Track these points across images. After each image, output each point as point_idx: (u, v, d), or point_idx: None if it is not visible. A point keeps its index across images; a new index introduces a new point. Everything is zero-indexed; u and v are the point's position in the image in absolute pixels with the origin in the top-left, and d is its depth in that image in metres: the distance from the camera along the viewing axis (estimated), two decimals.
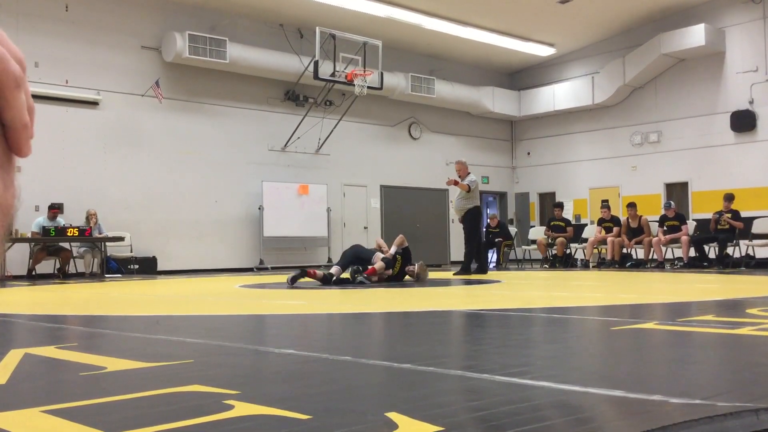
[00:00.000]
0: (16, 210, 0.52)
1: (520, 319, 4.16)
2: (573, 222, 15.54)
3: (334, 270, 7.89)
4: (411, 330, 3.85)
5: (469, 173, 10.13)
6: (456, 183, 9.89)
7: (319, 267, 14.22)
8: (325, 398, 1.87)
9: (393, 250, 8.24)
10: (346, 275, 7.89)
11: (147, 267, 12.31)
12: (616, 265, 12.54)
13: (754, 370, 2.27)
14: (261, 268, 13.70)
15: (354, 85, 13.12)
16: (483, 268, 10.33)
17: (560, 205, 14.68)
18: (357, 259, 8.06)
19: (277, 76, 14.03)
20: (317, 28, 12.73)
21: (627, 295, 6.01)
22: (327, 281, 7.68)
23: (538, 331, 3.68)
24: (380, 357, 2.65)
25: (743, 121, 14.45)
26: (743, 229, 11.93)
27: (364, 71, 13.12)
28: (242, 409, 1.70)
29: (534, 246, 14.34)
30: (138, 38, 12.65)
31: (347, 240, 14.49)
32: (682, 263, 12.11)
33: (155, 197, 12.71)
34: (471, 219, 10.00)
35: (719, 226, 12.08)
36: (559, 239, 13.60)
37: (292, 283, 7.58)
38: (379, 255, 8.07)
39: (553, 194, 17.77)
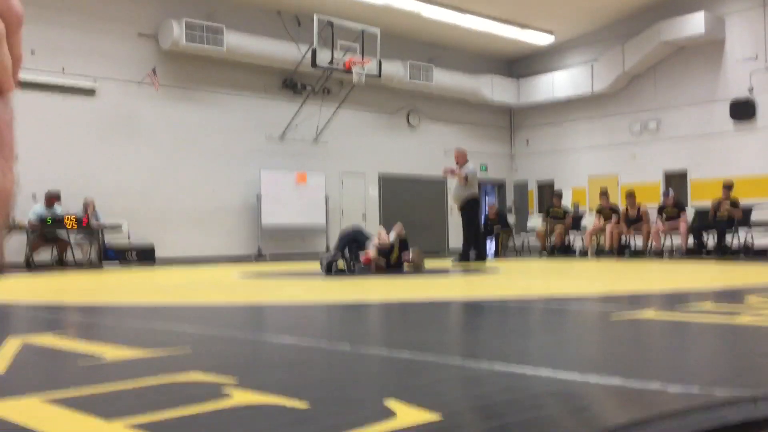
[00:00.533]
0: (15, 197, 0.52)
1: (518, 309, 4.16)
2: (572, 211, 15.54)
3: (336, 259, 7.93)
4: (409, 319, 3.85)
5: (467, 162, 10.09)
6: (453, 172, 9.84)
7: (316, 258, 14.24)
8: (324, 386, 1.87)
9: (392, 237, 8.25)
10: (341, 266, 7.85)
11: (145, 255, 12.29)
12: (615, 254, 12.56)
13: (752, 359, 2.27)
14: (259, 257, 13.71)
15: (352, 73, 13.06)
16: (482, 257, 10.34)
17: (559, 195, 14.65)
18: (353, 242, 8.10)
19: (275, 64, 13.97)
20: (315, 15, 12.66)
21: (626, 284, 6.01)
22: (329, 270, 7.70)
23: (536, 320, 3.69)
24: (378, 346, 2.65)
25: (742, 110, 14.43)
26: (742, 217, 11.93)
27: (363, 59, 13.07)
28: (240, 397, 1.70)
29: (533, 235, 14.35)
30: (134, 26, 12.58)
31: None
32: (681, 252, 12.12)
33: (153, 185, 12.69)
34: (469, 208, 9.98)
35: (718, 215, 12.08)
36: (558, 228, 13.60)
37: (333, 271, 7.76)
38: (374, 242, 8.09)
39: (551, 183, 17.76)
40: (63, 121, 11.67)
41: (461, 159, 10.06)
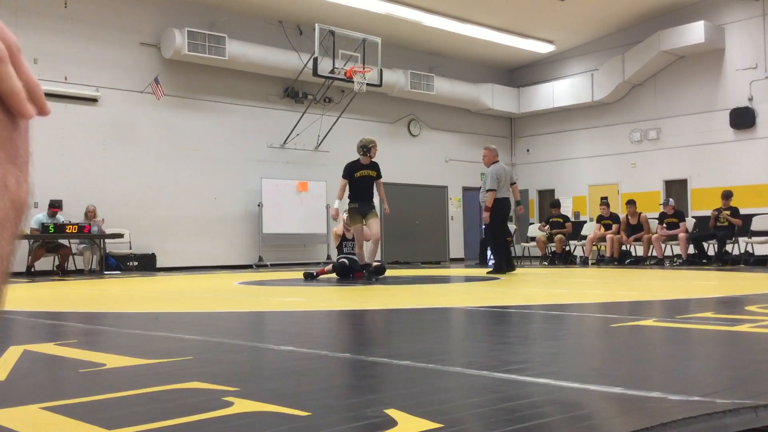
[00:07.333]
0: (29, 207, 0.52)
1: (519, 316, 4.16)
2: (572, 219, 15.52)
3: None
4: (410, 327, 3.85)
5: (497, 161, 9.26)
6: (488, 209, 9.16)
7: (318, 264, 14.23)
8: (325, 395, 1.87)
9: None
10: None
11: (146, 264, 12.31)
12: (616, 263, 12.54)
13: (753, 367, 2.27)
14: (260, 265, 13.70)
15: (353, 82, 13.10)
16: (509, 266, 9.49)
17: (557, 204, 14.51)
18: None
19: (277, 72, 14.01)
20: (316, 24, 12.71)
21: (626, 292, 6.01)
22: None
23: (537, 328, 3.69)
24: (379, 354, 2.65)
25: (742, 118, 14.45)
26: (742, 226, 11.93)
27: (364, 68, 13.11)
28: (241, 405, 1.70)
29: (533, 243, 14.34)
30: (137, 35, 12.63)
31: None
32: (681, 260, 12.11)
33: (154, 194, 12.70)
34: (492, 211, 9.37)
35: (718, 223, 12.08)
36: (558, 236, 13.59)
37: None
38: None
39: (552, 191, 17.77)
40: (65, 130, 11.70)
41: (488, 159, 9.27)
